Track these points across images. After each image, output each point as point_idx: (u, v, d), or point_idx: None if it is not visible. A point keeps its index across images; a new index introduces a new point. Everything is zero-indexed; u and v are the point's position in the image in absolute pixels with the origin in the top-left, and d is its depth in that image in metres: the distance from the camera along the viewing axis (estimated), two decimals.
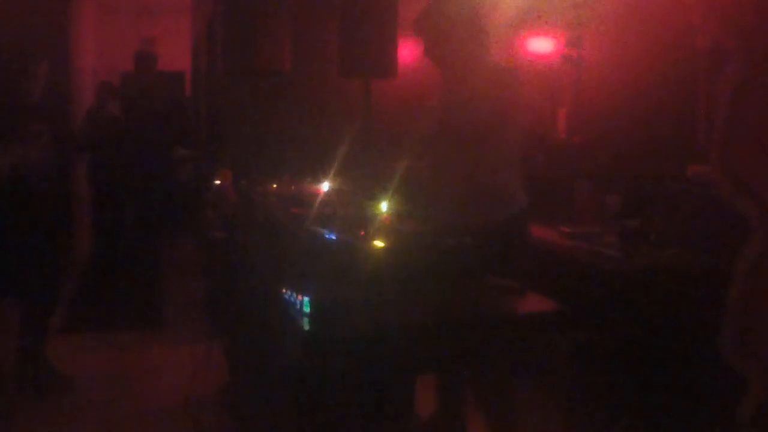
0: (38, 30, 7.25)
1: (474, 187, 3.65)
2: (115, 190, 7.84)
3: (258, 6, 5.25)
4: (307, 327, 2.53)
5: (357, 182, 3.90)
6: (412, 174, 3.70)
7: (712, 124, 4.19)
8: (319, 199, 3.82)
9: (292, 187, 4.35)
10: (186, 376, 4.80)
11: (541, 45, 5.91)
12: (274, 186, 4.49)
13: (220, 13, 6.72)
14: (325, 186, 4.15)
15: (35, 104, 4.59)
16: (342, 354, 2.52)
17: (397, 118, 4.90)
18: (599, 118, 5.22)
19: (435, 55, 3.82)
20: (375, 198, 3.39)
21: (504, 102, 3.62)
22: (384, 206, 3.30)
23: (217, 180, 4.74)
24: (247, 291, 3.91)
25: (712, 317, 3.71)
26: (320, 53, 6.12)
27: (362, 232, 3.04)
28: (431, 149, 3.80)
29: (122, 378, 5.15)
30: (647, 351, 3.82)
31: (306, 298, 2.62)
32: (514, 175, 3.77)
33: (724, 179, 3.70)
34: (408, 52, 5.62)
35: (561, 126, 5.57)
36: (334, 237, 3.01)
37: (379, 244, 2.93)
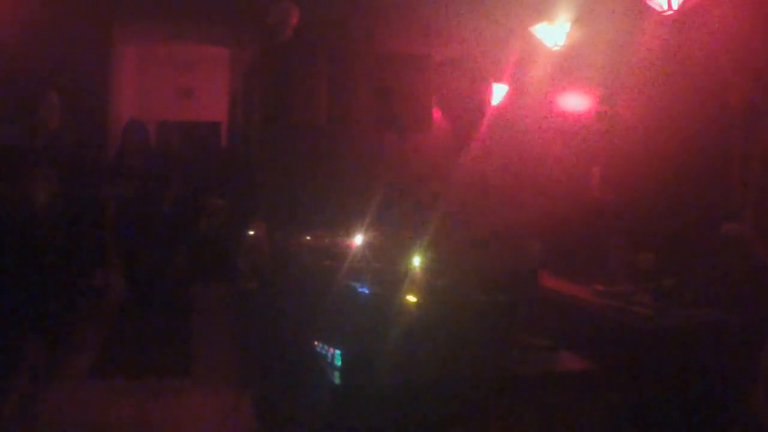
0: (80, 78, 7.39)
1: (497, 240, 3.66)
2: (144, 236, 7.89)
3: (295, 61, 5.34)
4: (337, 380, 2.53)
5: (390, 236, 3.91)
6: (442, 227, 3.71)
7: (746, 182, 4.18)
8: (352, 252, 3.83)
9: (326, 240, 4.36)
10: (215, 424, 4.79)
11: (576, 102, 5.93)
12: (308, 238, 4.50)
13: (258, 67, 6.82)
14: (358, 239, 4.17)
15: (45, 147, 4.63)
16: (372, 408, 2.51)
17: (431, 172, 4.93)
18: (633, 176, 5.21)
19: (443, 108, 3.89)
20: (408, 252, 3.39)
21: (516, 155, 3.65)
22: (416, 261, 3.30)
23: (251, 231, 4.77)
24: (279, 342, 3.91)
25: (747, 376, 3.67)
26: (356, 108, 6.19)
27: (395, 286, 3.05)
28: (453, 203, 3.83)
29: (151, 425, 5.14)
30: (681, 410, 3.77)
31: (337, 351, 2.62)
32: (532, 225, 3.79)
33: (758, 237, 3.68)
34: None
35: (594, 184, 5.56)
36: (366, 291, 3.02)
37: (411, 298, 2.94)
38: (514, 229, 3.69)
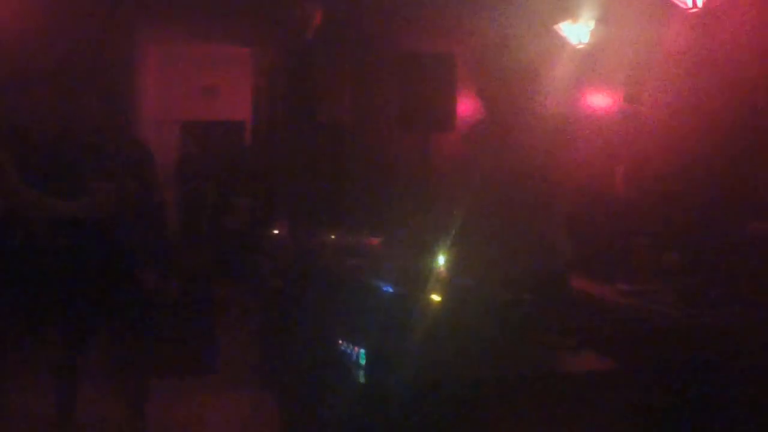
0: (103, 78, 7.43)
1: (526, 241, 3.65)
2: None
3: (319, 60, 5.35)
4: (362, 379, 2.54)
5: (414, 235, 3.91)
6: (467, 227, 3.70)
7: None
8: (375, 251, 3.84)
9: (349, 239, 4.36)
10: (238, 424, 4.81)
11: (600, 100, 5.91)
12: (332, 237, 4.51)
13: (281, 66, 6.84)
14: (381, 238, 4.17)
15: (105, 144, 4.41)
16: (396, 407, 2.51)
17: (455, 171, 4.92)
18: (657, 175, 5.18)
19: (484, 97, 3.88)
20: (432, 251, 3.39)
21: (554, 154, 3.64)
22: (441, 259, 3.30)
23: (274, 230, 4.78)
24: (303, 341, 3.92)
25: None
26: (380, 107, 6.19)
27: (419, 285, 3.05)
28: (484, 202, 3.82)
29: (173, 424, 5.17)
30: (705, 410, 3.75)
31: (362, 350, 2.63)
32: (561, 226, 3.79)
33: None
34: (466, 105, 5.67)
35: (619, 182, 5.54)
36: (390, 289, 3.02)
37: (435, 297, 2.94)
38: (539, 227, 3.69)
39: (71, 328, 4.46)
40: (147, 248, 4.41)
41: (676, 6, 4.81)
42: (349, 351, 2.72)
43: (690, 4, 4.71)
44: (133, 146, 4.49)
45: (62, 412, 4.52)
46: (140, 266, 4.40)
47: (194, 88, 12.21)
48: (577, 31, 5.89)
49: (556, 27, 5.96)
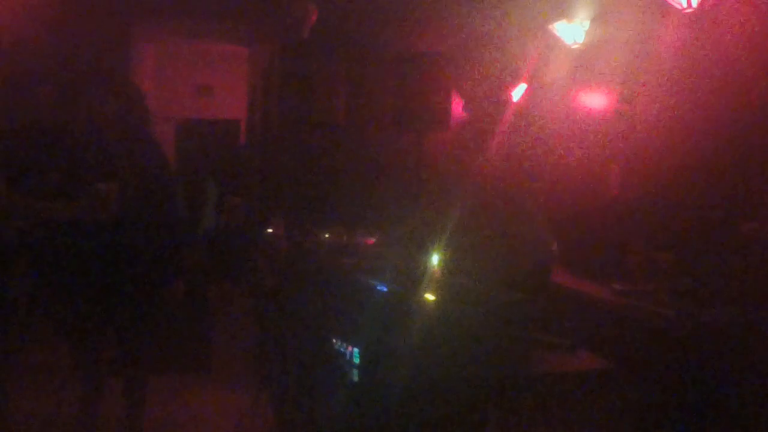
0: (99, 77, 7.40)
1: (513, 238, 3.67)
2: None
3: (314, 60, 5.34)
4: (356, 378, 2.54)
5: (408, 234, 3.91)
6: (459, 226, 3.71)
7: (766, 180, 4.15)
8: (370, 250, 3.83)
9: (344, 238, 4.36)
10: (232, 423, 4.80)
11: (595, 100, 5.91)
12: (326, 236, 4.51)
13: (276, 65, 6.84)
14: (376, 237, 4.16)
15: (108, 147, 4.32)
16: (390, 406, 2.51)
17: (448, 171, 4.92)
18: (652, 175, 5.19)
19: (477, 97, 3.90)
20: (426, 250, 3.39)
21: (535, 153, 3.68)
22: (435, 259, 3.30)
23: (269, 228, 4.78)
24: (297, 340, 3.92)
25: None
26: (374, 107, 6.20)
27: (413, 284, 3.05)
28: (473, 202, 3.83)
29: (168, 423, 5.16)
30: (700, 410, 3.75)
31: (356, 349, 2.63)
32: (541, 219, 3.82)
33: None
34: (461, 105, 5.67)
35: (613, 182, 5.54)
36: (384, 288, 3.02)
37: (429, 296, 2.93)
38: (533, 226, 3.70)
39: (83, 328, 4.43)
40: (158, 247, 4.36)
41: (671, 6, 4.82)
42: (343, 350, 2.72)
43: (685, 4, 4.72)
44: (142, 145, 4.40)
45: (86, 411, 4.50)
46: (148, 265, 4.36)
47: (189, 86, 12.21)
48: (572, 31, 5.90)
49: (551, 27, 5.97)
